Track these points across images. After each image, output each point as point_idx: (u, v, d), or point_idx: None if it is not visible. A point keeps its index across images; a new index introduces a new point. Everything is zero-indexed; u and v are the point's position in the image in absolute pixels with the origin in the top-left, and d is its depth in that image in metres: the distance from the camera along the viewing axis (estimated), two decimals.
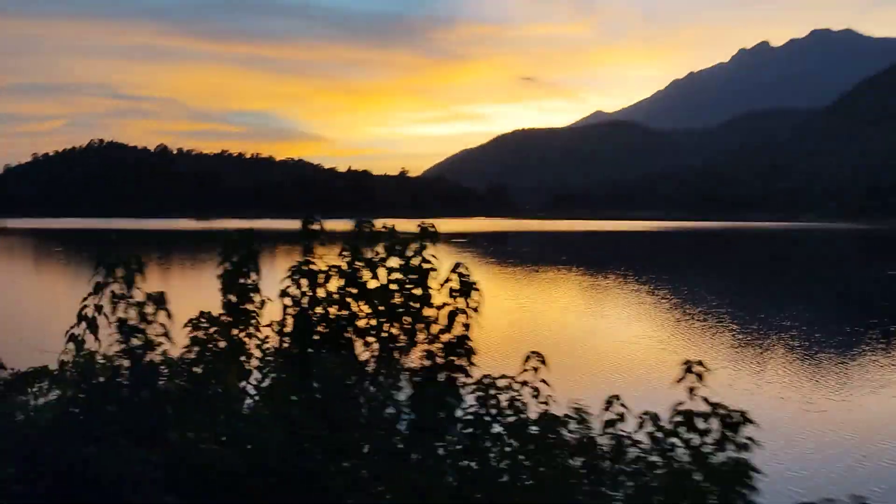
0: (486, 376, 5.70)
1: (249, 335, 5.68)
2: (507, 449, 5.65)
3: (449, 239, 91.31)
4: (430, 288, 5.42)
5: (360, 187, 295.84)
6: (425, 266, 5.46)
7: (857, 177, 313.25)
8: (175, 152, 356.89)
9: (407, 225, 6.22)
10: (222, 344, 5.54)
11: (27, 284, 47.82)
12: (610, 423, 5.68)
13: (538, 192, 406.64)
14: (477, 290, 5.34)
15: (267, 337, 6.01)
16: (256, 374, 5.43)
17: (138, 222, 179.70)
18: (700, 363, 5.30)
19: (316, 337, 5.52)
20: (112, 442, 4.01)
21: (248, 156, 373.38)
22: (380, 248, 5.86)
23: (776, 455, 12.76)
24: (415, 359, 5.51)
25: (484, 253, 78.77)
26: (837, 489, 10.60)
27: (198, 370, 5.04)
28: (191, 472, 4.02)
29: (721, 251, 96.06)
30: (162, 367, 4.75)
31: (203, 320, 5.88)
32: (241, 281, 5.83)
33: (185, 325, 5.74)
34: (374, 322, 5.52)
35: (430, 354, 5.42)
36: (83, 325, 6.05)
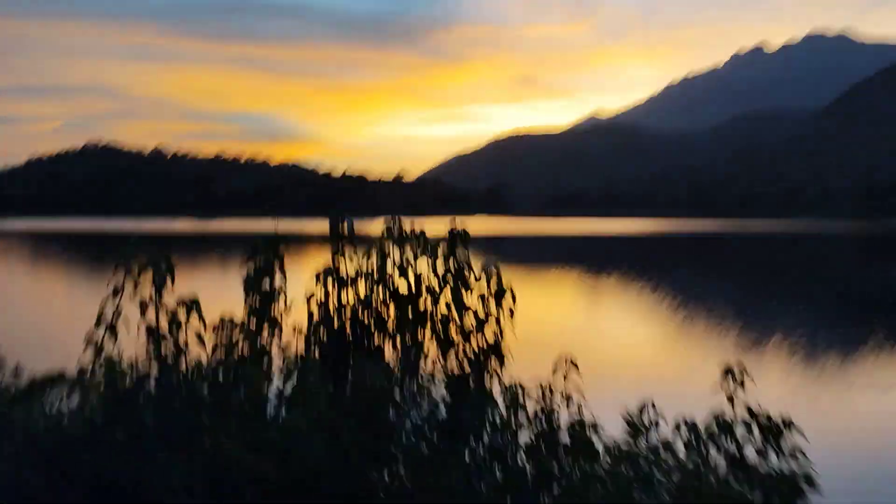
0: (513, 382, 5.59)
1: (274, 341, 5.55)
2: (538, 456, 5.55)
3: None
4: (462, 291, 5.30)
5: (357, 189, 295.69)
6: (456, 269, 5.34)
7: (853, 178, 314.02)
8: (171, 154, 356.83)
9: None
10: (246, 349, 5.41)
11: (26, 287, 47.58)
12: (643, 430, 5.57)
13: (535, 193, 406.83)
14: (511, 293, 5.22)
15: (288, 342, 5.90)
16: (282, 380, 5.31)
17: (135, 223, 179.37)
18: (741, 367, 5.18)
19: (345, 342, 5.40)
20: (148, 451, 3.88)
21: (244, 157, 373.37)
22: (407, 250, 5.76)
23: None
24: (445, 364, 5.39)
25: (484, 253, 78.68)
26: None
27: (224, 377, 4.91)
28: (229, 483, 3.90)
29: (722, 252, 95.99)
30: (191, 374, 4.61)
31: (226, 325, 5.76)
32: (266, 285, 5.70)
33: (212, 330, 5.62)
34: (403, 326, 5.40)
35: (461, 359, 5.30)
36: (102, 329, 5.96)
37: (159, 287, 4.69)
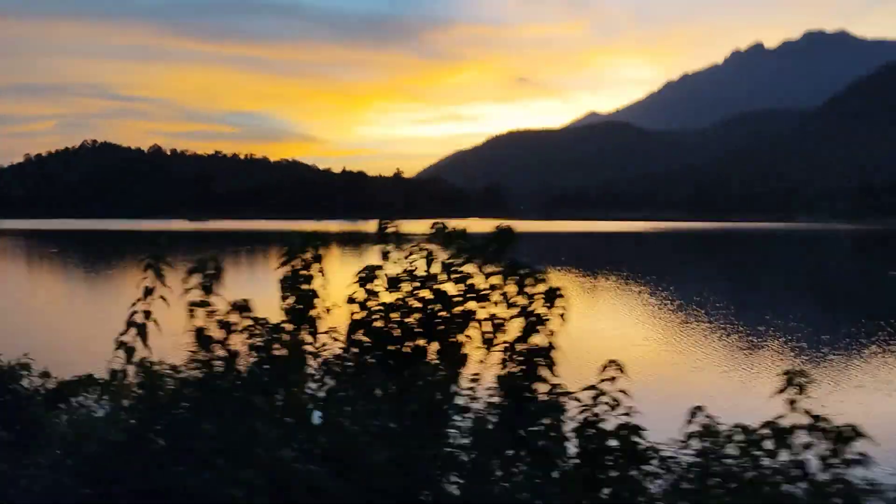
0: (555, 386, 5.44)
1: (317, 342, 5.39)
2: (582, 462, 5.41)
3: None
4: (511, 293, 5.13)
5: (355, 188, 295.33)
6: (505, 269, 5.18)
7: (851, 177, 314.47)
8: (168, 153, 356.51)
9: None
10: (288, 352, 5.25)
11: (25, 287, 47.36)
12: (694, 436, 5.42)
13: (532, 192, 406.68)
14: (562, 296, 5.06)
15: (325, 344, 5.74)
16: (328, 384, 5.15)
17: (131, 223, 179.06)
18: (802, 373, 5.02)
19: (392, 345, 5.24)
20: (204, 461, 3.72)
21: (242, 156, 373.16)
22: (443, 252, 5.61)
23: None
24: (492, 368, 5.23)
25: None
26: None
27: (271, 380, 4.74)
28: (287, 493, 3.74)
29: (723, 253, 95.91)
30: (242, 379, 4.45)
31: (259, 327, 5.60)
32: (305, 285, 5.53)
33: (244, 334, 5.46)
34: (451, 328, 5.24)
35: (511, 363, 5.14)
36: (132, 331, 5.81)
37: (208, 289, 4.53)
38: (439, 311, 5.26)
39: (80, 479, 4.28)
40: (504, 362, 5.11)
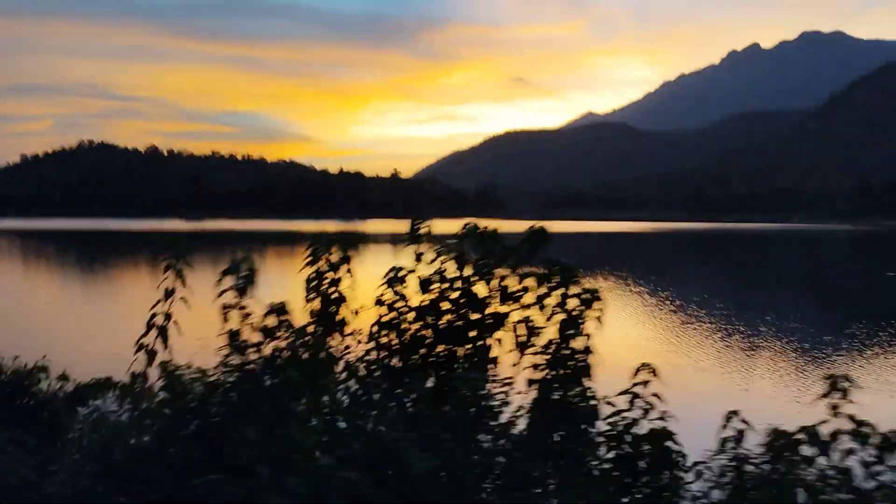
0: (588, 389, 5.34)
1: (345, 345, 5.28)
2: (617, 467, 5.31)
3: (442, 240, 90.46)
4: (545, 295, 5.02)
5: (351, 188, 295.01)
6: (543, 272, 5.07)
7: (848, 178, 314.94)
8: (165, 153, 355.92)
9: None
10: (309, 356, 5.13)
11: (27, 287, 47.15)
12: (728, 441, 5.31)
13: (529, 193, 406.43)
14: (599, 298, 4.95)
15: (348, 347, 5.63)
16: (358, 388, 5.03)
17: (128, 223, 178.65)
18: (846, 378, 4.91)
19: (423, 351, 5.12)
20: (243, 468, 3.60)
21: (238, 156, 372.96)
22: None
23: None
24: (526, 371, 5.12)
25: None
26: None
27: (304, 384, 4.62)
28: (326, 500, 3.63)
29: (723, 253, 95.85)
30: (275, 382, 4.33)
31: (286, 331, 5.48)
32: (332, 287, 5.42)
33: (278, 338, 5.34)
34: (484, 331, 5.12)
35: (543, 368, 5.03)
36: (153, 333, 5.70)
37: (241, 291, 4.41)
38: (471, 313, 5.15)
39: (110, 485, 4.16)
40: (539, 366, 5.00)
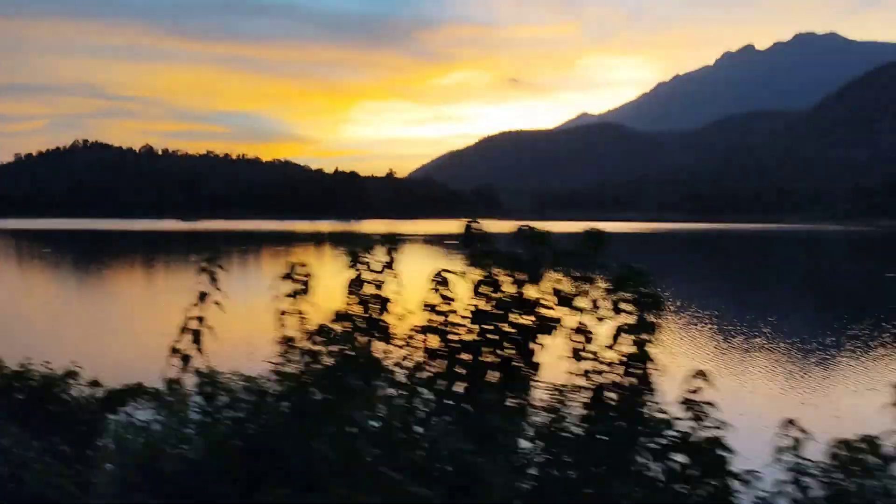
0: (645, 397, 5.17)
1: (391, 352, 5.10)
2: (670, 478, 5.15)
3: (440, 241, 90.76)
4: (602, 301, 4.85)
5: (347, 188, 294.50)
6: (591, 276, 4.91)
7: (842, 179, 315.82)
8: (160, 153, 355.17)
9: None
10: (363, 362, 4.95)
11: (24, 287, 46.84)
12: (785, 451, 5.15)
13: (524, 193, 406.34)
14: (660, 302, 4.78)
15: (389, 353, 5.45)
16: (409, 397, 4.86)
17: (123, 223, 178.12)
18: None
19: (470, 357, 4.95)
20: (311, 482, 3.43)
21: (233, 156, 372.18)
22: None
23: None
24: (579, 379, 4.95)
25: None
26: None
27: (358, 394, 4.45)
28: None
29: (724, 254, 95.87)
30: (334, 391, 4.15)
31: (320, 337, 5.30)
32: (376, 290, 5.23)
33: (312, 341, 5.16)
34: (539, 339, 4.95)
35: (600, 378, 4.87)
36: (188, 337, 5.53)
37: (298, 295, 4.23)
38: (523, 317, 4.98)
39: (162, 498, 3.98)
40: (596, 372, 4.84)
